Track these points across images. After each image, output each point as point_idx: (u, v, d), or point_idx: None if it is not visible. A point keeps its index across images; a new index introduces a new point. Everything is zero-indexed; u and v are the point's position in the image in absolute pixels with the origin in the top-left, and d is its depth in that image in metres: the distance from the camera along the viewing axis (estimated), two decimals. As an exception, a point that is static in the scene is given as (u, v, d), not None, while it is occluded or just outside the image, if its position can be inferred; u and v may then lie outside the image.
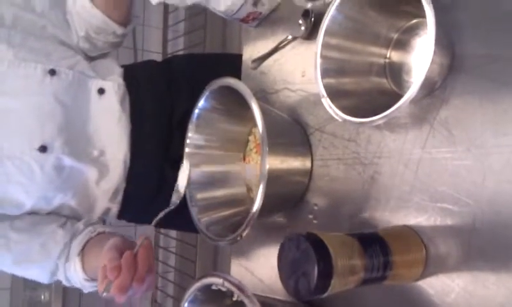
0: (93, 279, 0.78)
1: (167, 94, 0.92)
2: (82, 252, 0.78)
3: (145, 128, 0.87)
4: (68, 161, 0.77)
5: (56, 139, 0.76)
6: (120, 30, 0.88)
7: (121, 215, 0.90)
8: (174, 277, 2.19)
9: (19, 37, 0.79)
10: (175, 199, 0.76)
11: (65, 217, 0.85)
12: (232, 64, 0.87)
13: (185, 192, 0.75)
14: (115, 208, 0.88)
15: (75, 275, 0.78)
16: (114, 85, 0.84)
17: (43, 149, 0.75)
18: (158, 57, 2.12)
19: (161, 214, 0.75)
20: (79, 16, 0.85)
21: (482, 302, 0.47)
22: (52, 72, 0.77)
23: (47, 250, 0.79)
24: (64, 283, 0.82)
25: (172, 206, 0.75)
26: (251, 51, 0.83)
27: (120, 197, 0.86)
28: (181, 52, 2.13)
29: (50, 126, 0.76)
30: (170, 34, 2.18)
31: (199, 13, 2.00)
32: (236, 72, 0.84)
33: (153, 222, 0.75)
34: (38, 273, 0.82)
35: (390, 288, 0.54)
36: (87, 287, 0.79)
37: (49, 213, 0.83)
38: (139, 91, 0.88)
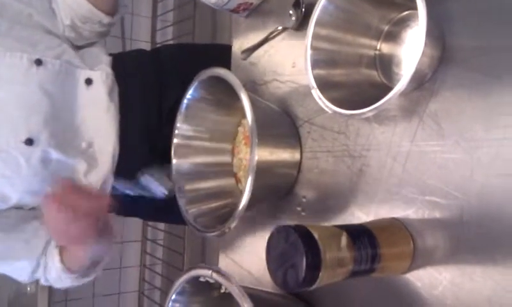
0: (71, 271, 0.77)
1: (156, 85, 0.91)
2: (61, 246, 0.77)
3: (134, 120, 0.85)
4: (54, 154, 0.76)
5: (42, 132, 0.74)
6: (106, 19, 0.86)
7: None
8: (162, 270, 2.19)
9: (5, 26, 0.77)
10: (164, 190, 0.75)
11: None
12: (222, 55, 0.86)
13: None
14: None
15: (53, 269, 0.77)
16: (102, 75, 0.82)
17: (29, 142, 0.73)
18: (147, 47, 2.10)
19: None
20: (64, 4, 0.83)
21: (469, 295, 0.47)
22: (38, 62, 0.75)
23: (30, 247, 0.78)
24: (43, 282, 0.80)
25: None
26: (241, 41, 0.82)
27: (108, 189, 0.85)
28: (170, 42, 2.10)
29: (37, 118, 0.74)
30: (159, 23, 2.16)
31: (188, 3, 1.98)
32: (226, 63, 0.83)
33: None
34: (19, 270, 0.80)
35: (378, 280, 0.54)
36: (65, 280, 0.78)
37: (33, 209, 0.82)
38: (127, 82, 0.86)
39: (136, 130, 0.86)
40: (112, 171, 0.84)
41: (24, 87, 0.74)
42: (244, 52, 0.80)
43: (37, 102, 0.74)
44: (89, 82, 0.81)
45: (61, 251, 0.77)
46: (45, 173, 0.76)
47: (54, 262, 0.76)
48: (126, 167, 0.85)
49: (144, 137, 0.87)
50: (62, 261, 0.76)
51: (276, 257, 0.46)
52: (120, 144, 0.83)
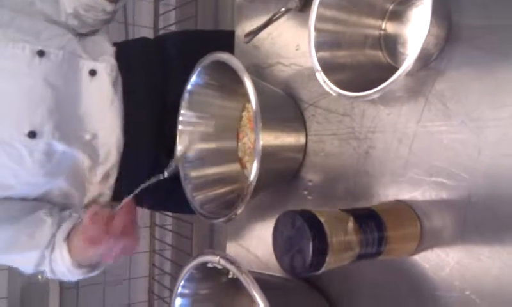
0: (80, 266, 0.77)
1: (161, 74, 0.90)
2: (69, 238, 0.77)
3: (138, 111, 0.85)
4: (59, 146, 0.76)
5: (45, 124, 0.74)
6: (109, 7, 0.85)
7: (114, 199, 0.89)
8: (171, 255, 2.21)
9: (7, 16, 0.76)
10: (168, 172, 0.75)
11: (52, 204, 0.83)
12: (228, 41, 0.85)
13: (178, 167, 0.75)
14: (108, 193, 0.86)
15: (61, 262, 0.76)
16: (106, 66, 0.82)
17: (32, 135, 0.72)
18: (149, 32, 2.09)
19: (146, 183, 0.74)
20: None
21: (476, 275, 0.47)
22: (41, 53, 0.75)
23: (35, 239, 0.77)
24: (49, 274, 0.80)
25: (161, 177, 0.75)
26: (243, 25, 0.81)
27: (112, 182, 0.85)
28: (173, 27, 2.09)
29: (40, 110, 0.73)
30: (161, 8, 2.14)
31: (189, -14, 1.95)
32: (231, 48, 0.82)
33: (131, 195, 0.74)
34: (22, 262, 0.80)
35: (385, 262, 0.54)
36: (75, 274, 0.78)
37: (36, 199, 0.82)
38: (131, 73, 0.85)
39: (142, 121, 0.85)
40: (117, 163, 0.83)
41: (26, 78, 0.74)
42: (247, 35, 0.79)
43: (40, 93, 0.74)
44: (93, 73, 0.80)
45: (70, 244, 0.76)
46: (50, 165, 0.76)
47: (62, 256, 0.76)
48: (132, 159, 0.85)
49: (150, 127, 0.87)
50: (71, 255, 0.75)
51: (282, 242, 0.46)
52: (125, 135, 0.83)
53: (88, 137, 0.79)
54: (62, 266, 0.76)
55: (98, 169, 0.82)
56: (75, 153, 0.78)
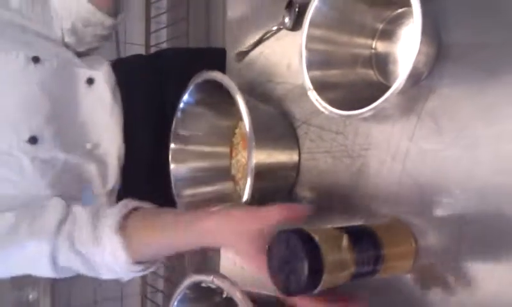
0: (138, 262, 0.63)
1: (158, 87, 0.89)
2: (125, 230, 0.62)
3: (138, 123, 0.83)
4: (60, 154, 0.73)
5: (45, 130, 0.71)
6: (108, 21, 0.84)
7: None
8: (164, 272, 2.18)
9: None
10: None
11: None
12: (220, 58, 0.85)
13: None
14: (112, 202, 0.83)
15: (110, 258, 0.62)
16: (104, 74, 0.80)
17: (33, 140, 0.69)
18: (141, 50, 2.09)
19: None
20: (64, 8, 0.81)
21: (472, 293, 0.47)
22: (36, 59, 0.73)
23: (37, 225, 0.64)
24: (80, 268, 0.64)
25: None
26: (235, 43, 0.82)
27: (114, 197, 0.82)
28: (164, 44, 2.09)
29: (38, 118, 0.71)
30: (153, 26, 2.15)
31: (181, 4, 1.96)
32: (223, 66, 0.82)
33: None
34: (32, 258, 0.64)
35: (379, 281, 0.54)
36: (129, 272, 0.64)
37: None
38: (129, 85, 0.84)
39: (142, 133, 0.84)
40: (119, 178, 0.81)
41: (22, 85, 0.71)
42: (238, 54, 0.79)
43: (37, 100, 0.72)
44: (90, 81, 0.79)
45: (125, 238, 0.61)
46: (51, 174, 0.71)
47: (115, 252, 0.61)
48: (132, 171, 0.82)
49: (151, 140, 0.85)
50: (127, 250, 0.61)
51: (277, 262, 0.46)
52: (126, 147, 0.80)
53: (89, 146, 0.77)
54: (111, 263, 0.63)
55: (103, 179, 0.79)
56: (77, 162, 0.75)
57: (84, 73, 0.79)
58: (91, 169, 0.78)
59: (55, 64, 0.75)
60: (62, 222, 0.65)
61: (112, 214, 0.64)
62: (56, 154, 0.73)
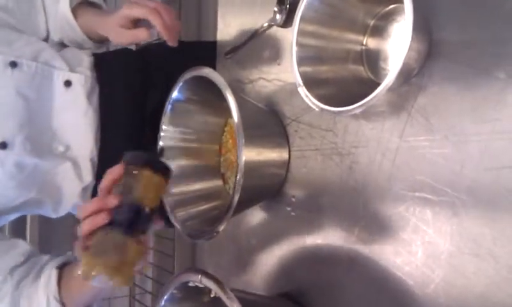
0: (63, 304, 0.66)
1: (141, 85, 0.88)
2: (62, 271, 0.67)
3: (117, 122, 0.83)
4: (30, 158, 0.73)
5: (16, 135, 0.72)
6: (96, 47, 0.87)
7: None
8: (152, 273, 2.16)
9: None
10: None
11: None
12: (210, 53, 0.84)
13: None
14: None
15: (42, 290, 0.66)
16: (81, 78, 0.80)
17: (3, 146, 0.70)
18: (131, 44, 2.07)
19: None
20: (55, 24, 0.83)
21: (462, 292, 0.46)
22: (13, 64, 0.73)
23: None
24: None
25: None
26: (225, 40, 0.81)
27: (89, 193, 0.83)
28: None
29: (11, 122, 0.71)
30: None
31: (172, 0, 1.95)
32: (213, 60, 0.82)
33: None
34: None
35: (371, 280, 0.53)
36: None
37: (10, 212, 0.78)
38: (112, 83, 0.84)
39: (119, 132, 0.84)
40: (92, 176, 0.81)
41: None
42: (229, 50, 0.79)
43: (12, 105, 0.72)
44: (68, 84, 0.79)
45: (61, 280, 0.66)
46: (20, 177, 0.73)
47: (49, 283, 0.66)
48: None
49: (128, 139, 0.85)
50: (59, 286, 0.66)
51: None
52: (101, 147, 0.81)
53: (61, 148, 0.77)
54: (42, 296, 0.66)
55: (74, 181, 0.79)
56: (47, 165, 0.76)
57: (62, 75, 0.79)
58: (66, 167, 0.78)
59: (33, 69, 0.75)
60: (15, 267, 0.70)
61: (56, 260, 0.70)
62: (26, 158, 0.73)
